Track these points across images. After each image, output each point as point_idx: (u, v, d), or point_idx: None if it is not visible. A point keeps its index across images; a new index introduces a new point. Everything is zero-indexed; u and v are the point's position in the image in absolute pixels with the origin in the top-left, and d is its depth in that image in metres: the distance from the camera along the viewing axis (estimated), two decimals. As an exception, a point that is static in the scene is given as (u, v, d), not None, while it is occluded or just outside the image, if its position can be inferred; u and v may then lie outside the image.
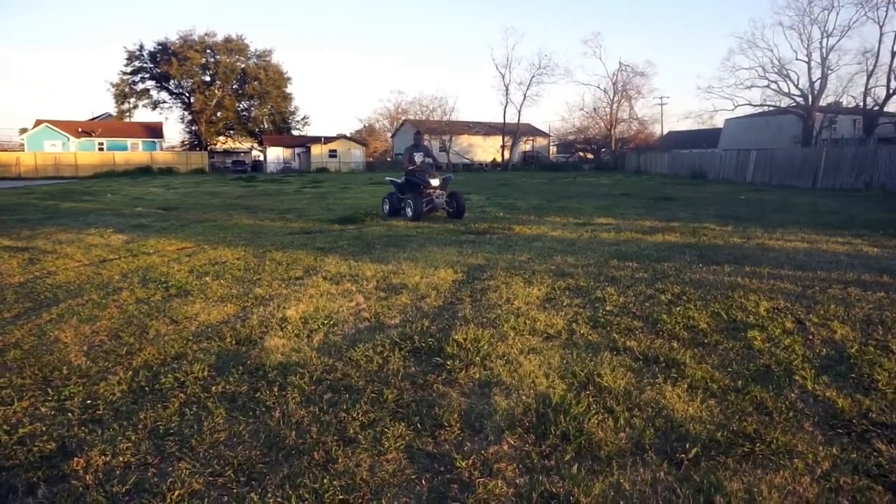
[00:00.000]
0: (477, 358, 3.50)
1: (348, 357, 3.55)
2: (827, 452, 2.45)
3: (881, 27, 33.57)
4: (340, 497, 2.16)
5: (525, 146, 54.67)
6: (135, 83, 56.82)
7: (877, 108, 35.24)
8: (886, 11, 34.08)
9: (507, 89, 50.34)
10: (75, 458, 2.41)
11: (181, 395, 3.03)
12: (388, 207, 11.55)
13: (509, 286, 5.32)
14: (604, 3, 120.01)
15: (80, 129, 48.78)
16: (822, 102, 37.30)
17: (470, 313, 4.47)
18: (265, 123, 59.52)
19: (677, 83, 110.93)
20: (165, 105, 58.97)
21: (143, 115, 64.61)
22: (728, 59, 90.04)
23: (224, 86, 55.71)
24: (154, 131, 51.58)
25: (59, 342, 3.86)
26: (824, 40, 35.63)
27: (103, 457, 2.43)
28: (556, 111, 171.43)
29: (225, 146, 59.64)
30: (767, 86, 38.49)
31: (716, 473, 2.30)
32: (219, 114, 56.15)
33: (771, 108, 40.42)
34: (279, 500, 2.15)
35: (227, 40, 55.51)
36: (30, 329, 4.14)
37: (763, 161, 27.28)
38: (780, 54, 68.56)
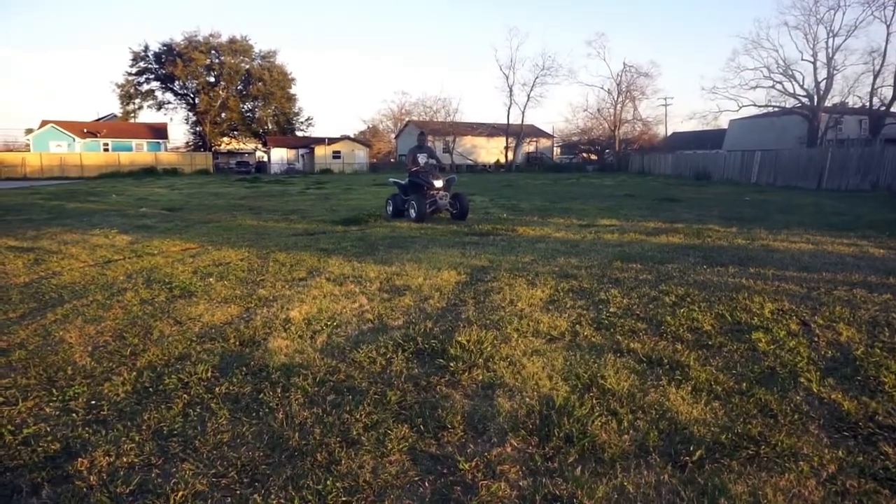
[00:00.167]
0: (480, 360, 3.50)
1: (351, 358, 3.55)
2: (833, 455, 2.44)
3: (888, 26, 33.52)
4: (343, 499, 2.16)
5: (529, 147, 54.60)
6: (140, 84, 57.08)
7: (883, 108, 35.08)
8: (894, 11, 33.86)
9: (510, 90, 50.46)
10: (79, 459, 2.42)
11: (185, 395, 3.04)
12: (391, 209, 11.55)
13: (513, 288, 5.31)
14: (605, 3, 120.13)
15: (85, 130, 49.08)
16: (828, 103, 37.22)
17: (473, 315, 4.46)
18: (269, 124, 59.63)
19: (681, 84, 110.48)
20: (170, 106, 59.29)
21: (147, 115, 64.73)
22: (733, 59, 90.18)
23: (228, 87, 55.87)
24: (159, 132, 51.82)
25: (64, 342, 3.88)
26: (830, 40, 35.63)
27: (107, 457, 2.44)
28: (559, 112, 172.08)
29: (229, 147, 59.77)
30: (772, 86, 38.44)
31: (720, 476, 2.28)
32: (223, 115, 56.32)
33: (776, 109, 40.29)
34: (282, 501, 2.16)
35: (232, 41, 55.66)
36: (35, 329, 4.16)
37: (768, 162, 27.18)
38: (786, 54, 68.67)
